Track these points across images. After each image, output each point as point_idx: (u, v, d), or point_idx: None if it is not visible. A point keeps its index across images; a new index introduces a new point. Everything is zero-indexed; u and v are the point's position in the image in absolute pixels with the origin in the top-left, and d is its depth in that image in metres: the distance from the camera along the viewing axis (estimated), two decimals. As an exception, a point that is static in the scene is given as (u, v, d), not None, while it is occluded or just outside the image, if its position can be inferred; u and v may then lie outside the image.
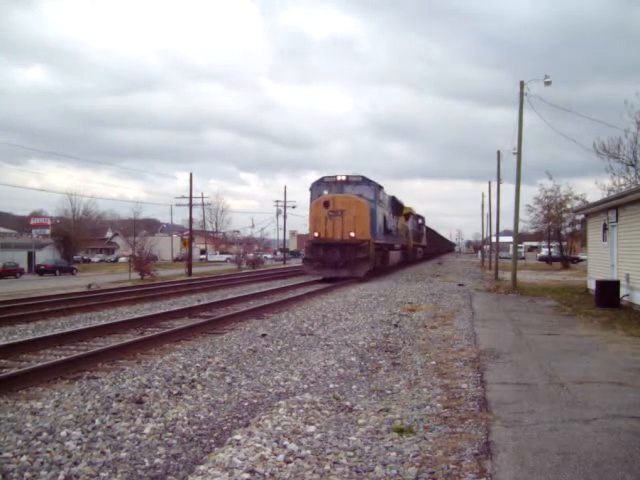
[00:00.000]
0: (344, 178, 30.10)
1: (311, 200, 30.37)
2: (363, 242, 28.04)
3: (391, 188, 35.00)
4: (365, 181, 30.58)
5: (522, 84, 25.54)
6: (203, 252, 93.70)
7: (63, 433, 5.74)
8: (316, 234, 28.61)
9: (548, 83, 24.81)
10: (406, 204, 52.17)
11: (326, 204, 28.43)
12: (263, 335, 11.93)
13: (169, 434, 5.88)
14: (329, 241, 28.31)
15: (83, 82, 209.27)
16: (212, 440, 5.80)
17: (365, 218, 28.38)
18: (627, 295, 17.64)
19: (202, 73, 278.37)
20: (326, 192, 29.86)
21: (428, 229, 69.03)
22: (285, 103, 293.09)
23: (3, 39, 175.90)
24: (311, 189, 31.05)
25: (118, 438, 5.70)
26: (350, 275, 27.93)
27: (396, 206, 38.72)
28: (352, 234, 27.89)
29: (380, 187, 31.63)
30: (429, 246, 68.85)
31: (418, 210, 58.22)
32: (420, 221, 58.25)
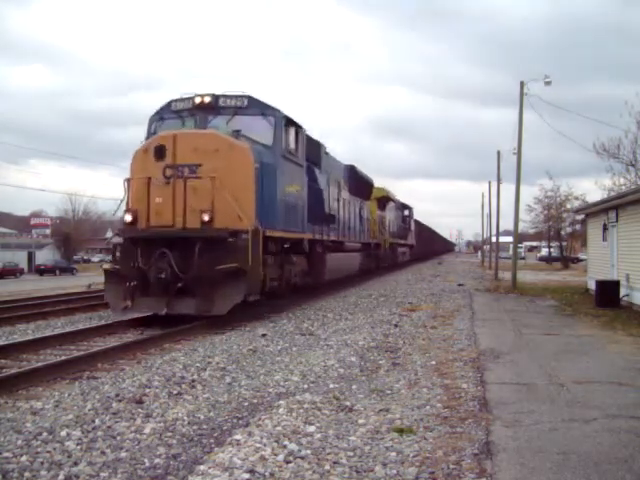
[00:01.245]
0: (209, 100, 14.45)
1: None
2: (234, 234, 12.59)
3: (391, 188, 32.34)
4: (255, 106, 14.59)
5: (522, 84, 25.59)
6: None
7: (63, 433, 5.73)
8: (129, 217, 13.22)
9: (548, 83, 24.89)
10: (411, 206, 46.55)
11: (159, 152, 12.80)
12: (263, 335, 11.93)
13: (169, 434, 5.87)
14: (158, 233, 12.91)
15: (83, 82, 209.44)
16: (212, 440, 5.79)
17: (245, 180, 12.97)
18: (627, 295, 17.66)
19: (202, 73, 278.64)
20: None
21: (420, 224, 56.60)
22: (285, 103, 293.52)
23: (3, 39, 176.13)
24: (148, 128, 15.22)
25: (118, 438, 5.69)
26: (201, 311, 12.46)
27: (356, 180, 24.69)
28: (206, 217, 12.56)
29: (292, 122, 15.45)
30: (420, 245, 53.82)
31: (417, 209, 50.26)
32: (406, 212, 44.77)
